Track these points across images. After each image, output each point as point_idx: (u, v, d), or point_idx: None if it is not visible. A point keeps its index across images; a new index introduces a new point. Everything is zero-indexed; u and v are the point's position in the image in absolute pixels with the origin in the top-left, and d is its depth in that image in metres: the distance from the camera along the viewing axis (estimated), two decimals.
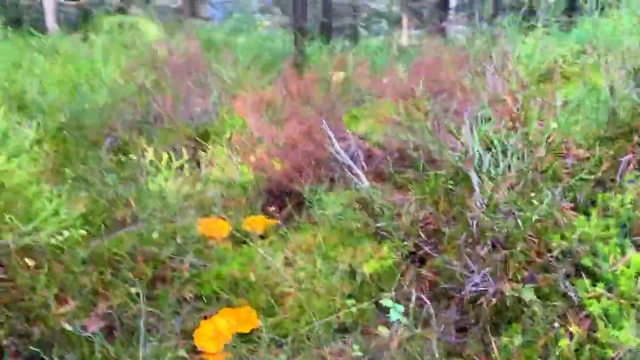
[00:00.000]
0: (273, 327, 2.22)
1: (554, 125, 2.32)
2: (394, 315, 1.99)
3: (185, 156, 3.05)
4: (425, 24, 22.89)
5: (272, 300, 2.32)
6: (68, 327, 1.95)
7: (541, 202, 2.10)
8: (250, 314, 2.26)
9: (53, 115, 3.76)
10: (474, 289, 1.98)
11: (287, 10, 15.56)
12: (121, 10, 13.27)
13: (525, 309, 2.00)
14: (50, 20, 8.99)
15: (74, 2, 9.90)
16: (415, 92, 3.08)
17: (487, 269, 1.99)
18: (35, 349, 1.89)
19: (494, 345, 1.98)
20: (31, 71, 4.23)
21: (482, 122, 2.41)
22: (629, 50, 2.69)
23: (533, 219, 2.07)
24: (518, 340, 1.95)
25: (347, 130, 3.59)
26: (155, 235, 2.31)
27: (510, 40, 5.47)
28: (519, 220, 2.18)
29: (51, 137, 3.57)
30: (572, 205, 2.46)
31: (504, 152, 2.09)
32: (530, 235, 2.22)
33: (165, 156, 2.97)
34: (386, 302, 2.04)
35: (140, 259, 2.31)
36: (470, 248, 2.14)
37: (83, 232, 2.11)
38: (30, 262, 2.09)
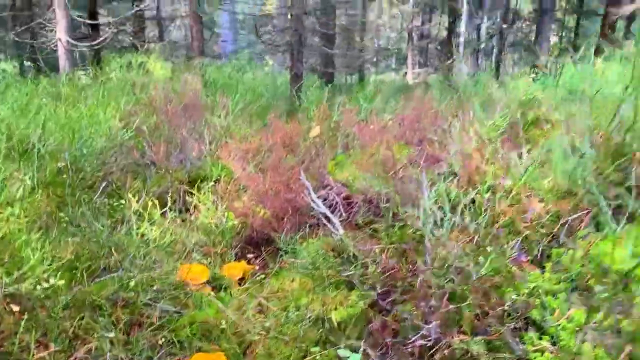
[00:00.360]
0: None
1: (507, 182, 2.47)
2: None
3: (171, 203, 3.23)
4: (432, 62, 23.34)
5: (241, 348, 2.45)
6: None
7: (490, 257, 2.24)
8: (220, 358, 2.39)
9: (53, 160, 3.98)
10: (423, 341, 2.10)
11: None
12: (134, 47, 13.74)
13: None
14: (62, 60, 9.37)
15: (86, 43, 10.31)
16: (394, 141, 3.25)
17: (437, 321, 2.11)
18: None
19: None
20: (36, 117, 4.48)
21: (443, 179, 2.57)
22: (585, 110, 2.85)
23: (482, 273, 2.20)
24: None
25: (330, 177, 3.76)
26: (132, 283, 2.47)
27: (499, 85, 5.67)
28: (473, 274, 2.31)
29: (49, 182, 3.78)
30: (528, 258, 2.60)
31: (454, 209, 2.23)
32: (484, 288, 2.35)
33: (150, 204, 3.16)
34: (343, 352, 2.18)
35: (119, 304, 2.47)
36: (425, 301, 2.27)
37: (62, 282, 2.27)
38: (15, 308, 2.26)
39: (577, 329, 2.06)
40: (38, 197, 3.08)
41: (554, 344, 2.11)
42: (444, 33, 20.88)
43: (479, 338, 2.16)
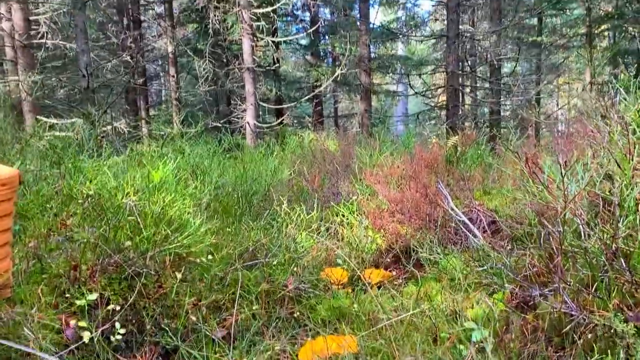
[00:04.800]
0: (371, 352, 2.36)
1: None
2: (475, 336, 2.02)
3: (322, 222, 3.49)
4: None
5: (373, 332, 2.48)
6: (199, 326, 2.39)
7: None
8: (351, 340, 2.44)
9: (228, 196, 4.57)
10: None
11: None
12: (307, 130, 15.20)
13: (617, 340, 1.87)
14: (249, 138, 10.86)
15: (266, 124, 11.78)
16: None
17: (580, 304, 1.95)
18: (170, 338, 2.34)
19: None
20: (219, 167, 5.25)
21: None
22: None
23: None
24: None
25: (476, 202, 3.71)
26: (274, 262, 2.71)
27: None
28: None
29: (224, 210, 4.34)
30: None
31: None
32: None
33: (297, 210, 3.45)
34: (469, 324, 2.09)
35: (264, 284, 2.71)
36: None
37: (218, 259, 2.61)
38: (178, 275, 2.63)
39: None
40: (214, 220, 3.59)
41: None
42: None
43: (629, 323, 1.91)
